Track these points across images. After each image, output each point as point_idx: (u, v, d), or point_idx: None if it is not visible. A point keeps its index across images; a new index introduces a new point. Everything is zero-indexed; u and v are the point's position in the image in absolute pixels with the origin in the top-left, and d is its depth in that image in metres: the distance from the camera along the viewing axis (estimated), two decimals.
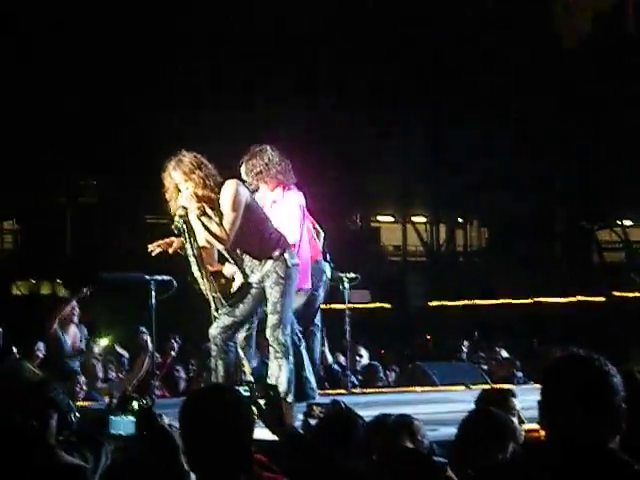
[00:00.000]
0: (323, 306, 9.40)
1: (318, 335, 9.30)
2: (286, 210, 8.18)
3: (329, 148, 20.86)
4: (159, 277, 7.73)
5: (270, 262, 7.58)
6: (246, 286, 7.73)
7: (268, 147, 8.29)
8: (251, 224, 7.56)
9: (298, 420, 6.37)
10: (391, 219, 26.32)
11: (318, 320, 9.23)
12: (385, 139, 22.85)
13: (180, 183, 7.48)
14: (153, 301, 7.65)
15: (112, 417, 3.72)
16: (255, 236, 7.59)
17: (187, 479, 3.40)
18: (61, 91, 19.74)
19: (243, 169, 8.29)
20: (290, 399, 7.52)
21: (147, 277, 7.72)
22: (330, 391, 9.87)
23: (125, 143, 20.20)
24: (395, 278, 23.31)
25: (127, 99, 20.24)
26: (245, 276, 7.74)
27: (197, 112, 20.39)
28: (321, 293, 9.16)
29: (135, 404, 3.69)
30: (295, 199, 8.29)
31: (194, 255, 7.60)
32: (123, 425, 3.71)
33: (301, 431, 4.91)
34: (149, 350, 7.96)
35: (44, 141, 19.95)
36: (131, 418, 3.65)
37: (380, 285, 21.40)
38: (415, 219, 26.13)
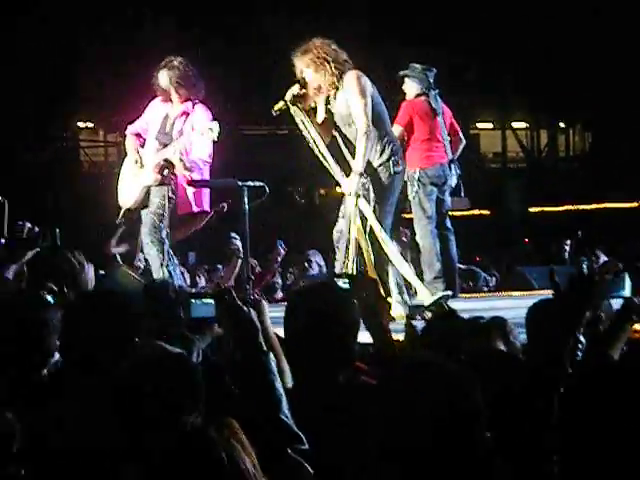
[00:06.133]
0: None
1: (452, 238, 9.58)
2: (199, 124, 8.00)
3: None
4: (251, 183, 7.60)
5: (375, 163, 7.61)
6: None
7: (182, 59, 8.19)
8: (375, 115, 7.59)
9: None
10: (490, 126, 25.90)
11: (449, 224, 9.57)
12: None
13: (303, 72, 7.63)
14: (246, 207, 7.53)
15: (192, 301, 3.70)
16: (377, 129, 7.61)
17: (266, 358, 3.38)
18: None
19: (165, 76, 8.17)
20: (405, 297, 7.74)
21: (239, 183, 7.59)
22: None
23: None
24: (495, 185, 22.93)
25: None
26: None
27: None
28: (447, 197, 9.51)
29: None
30: (207, 114, 8.14)
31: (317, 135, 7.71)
32: (203, 308, 3.67)
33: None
34: (241, 256, 7.89)
35: None
36: (211, 301, 3.63)
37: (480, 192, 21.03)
38: (515, 125, 25.67)
